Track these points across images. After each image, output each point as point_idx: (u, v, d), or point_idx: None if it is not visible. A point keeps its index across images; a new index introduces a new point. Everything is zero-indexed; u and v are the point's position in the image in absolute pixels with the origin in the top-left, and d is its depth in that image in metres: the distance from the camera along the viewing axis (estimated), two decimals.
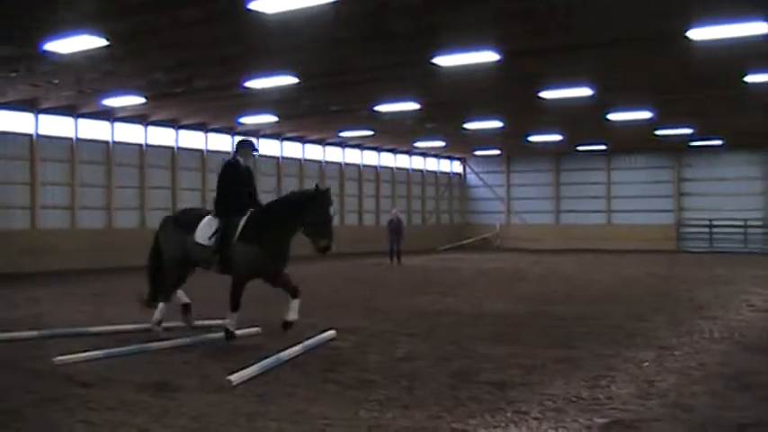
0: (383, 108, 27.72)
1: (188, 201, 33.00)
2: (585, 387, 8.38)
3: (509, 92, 25.37)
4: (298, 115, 30.24)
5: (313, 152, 40.73)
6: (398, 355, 10.53)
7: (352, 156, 43.47)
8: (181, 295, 12.18)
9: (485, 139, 39.44)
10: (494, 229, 49.95)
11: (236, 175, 11.91)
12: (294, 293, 11.23)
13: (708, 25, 15.60)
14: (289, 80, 21.49)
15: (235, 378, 8.54)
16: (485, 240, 49.46)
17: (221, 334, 11.49)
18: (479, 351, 10.67)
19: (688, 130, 35.12)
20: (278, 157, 38.01)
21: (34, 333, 12.13)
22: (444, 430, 6.84)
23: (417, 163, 48.49)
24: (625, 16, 15.45)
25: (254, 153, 12.42)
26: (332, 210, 11.20)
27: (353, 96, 25.75)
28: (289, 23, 14.88)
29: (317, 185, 11.43)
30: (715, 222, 43.38)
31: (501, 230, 49.82)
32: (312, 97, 25.50)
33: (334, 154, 42.13)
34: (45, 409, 7.62)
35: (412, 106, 27.21)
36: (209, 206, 13.11)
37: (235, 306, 11.30)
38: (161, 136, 33.11)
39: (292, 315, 11.13)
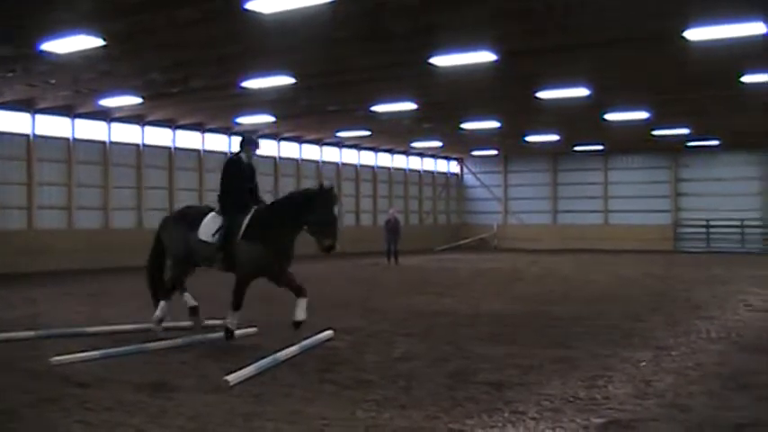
0: (380, 108, 27.72)
1: (185, 201, 32.83)
2: (583, 387, 8.38)
3: (506, 92, 25.38)
4: (295, 115, 30.26)
5: (310, 152, 40.72)
6: (396, 355, 10.53)
7: (350, 156, 43.47)
8: (188, 298, 12.09)
9: (482, 139, 39.46)
10: (491, 230, 49.97)
11: (239, 172, 11.86)
12: (299, 292, 11.13)
13: (705, 25, 15.62)
14: (286, 80, 21.49)
15: (232, 378, 8.54)
16: (482, 240, 49.47)
17: (219, 334, 11.49)
18: (476, 351, 10.67)
19: (685, 131, 35.15)
20: (275, 157, 37.99)
21: (31, 333, 12.11)
22: (441, 430, 6.83)
23: (414, 163, 48.52)
24: (622, 16, 15.46)
25: (257, 150, 12.33)
26: (336, 208, 11.12)
27: (350, 96, 25.75)
28: (285, 23, 14.87)
29: (321, 184, 11.38)
30: (712, 222, 43.42)
31: (498, 230, 49.84)
32: (309, 97, 25.50)
33: (331, 154, 42.12)
34: (42, 409, 7.61)
35: (409, 106, 27.22)
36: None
37: (237, 305, 11.27)
38: (158, 136, 33.08)
39: (300, 314, 11.01)
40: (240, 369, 8.90)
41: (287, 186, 34.37)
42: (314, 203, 10.96)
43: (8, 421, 7.19)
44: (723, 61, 19.04)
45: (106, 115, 29.87)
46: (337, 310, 14.86)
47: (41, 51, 17.32)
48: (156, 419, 7.18)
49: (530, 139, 38.57)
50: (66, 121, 29.30)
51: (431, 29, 16.33)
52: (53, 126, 29.02)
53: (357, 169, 43.74)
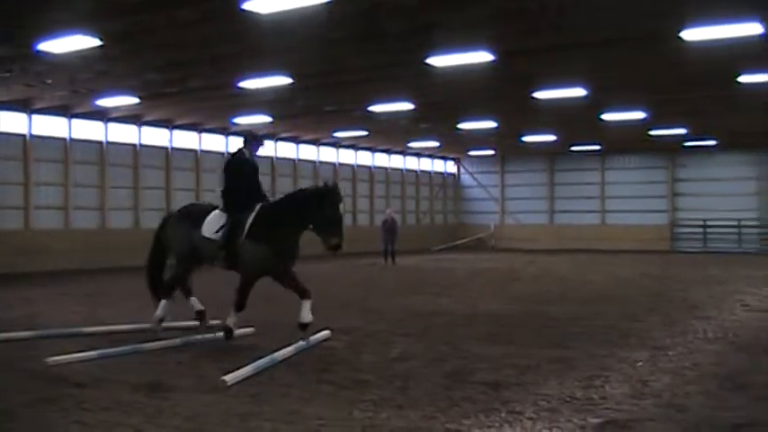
0: (377, 108, 27.72)
1: (182, 201, 32.78)
2: (580, 387, 8.39)
3: (503, 92, 25.39)
4: (292, 115, 30.25)
5: (307, 152, 40.70)
6: (393, 355, 10.53)
7: (347, 156, 43.45)
8: (194, 302, 12.04)
9: (479, 139, 39.47)
10: (488, 230, 49.96)
11: (242, 169, 11.79)
12: (303, 294, 11.01)
13: (701, 26, 15.63)
14: (283, 80, 21.48)
15: (229, 378, 8.54)
16: (479, 240, 49.45)
17: (217, 334, 11.47)
18: (473, 351, 10.68)
19: (682, 131, 35.17)
20: (272, 158, 37.96)
21: (29, 333, 12.10)
22: (438, 430, 6.84)
23: (411, 163, 48.50)
24: (618, 16, 15.47)
25: (260, 148, 12.28)
26: (342, 207, 11.08)
27: (347, 96, 25.75)
28: (282, 24, 14.87)
29: (326, 182, 11.35)
30: (709, 222, 43.44)
31: (495, 231, 49.83)
32: (306, 97, 25.50)
33: (328, 154, 42.09)
34: (39, 409, 7.61)
35: (406, 106, 27.21)
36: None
37: (240, 306, 11.22)
38: (155, 136, 33.05)
39: (306, 316, 10.89)
40: (237, 369, 8.91)
41: (284, 186, 34.36)
42: (319, 202, 10.89)
43: (5, 421, 7.19)
44: (720, 61, 19.06)
45: (103, 115, 29.84)
46: (335, 311, 14.86)
47: (38, 51, 17.30)
48: (153, 419, 7.18)
49: (527, 139, 38.58)
50: (62, 121, 29.27)
51: (428, 29, 16.32)
52: (50, 126, 28.98)
53: (354, 169, 43.72)
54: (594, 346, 11.01)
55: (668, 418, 7.20)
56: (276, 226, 11.02)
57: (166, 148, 33.53)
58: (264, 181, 13.11)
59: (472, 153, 48.25)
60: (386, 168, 46.39)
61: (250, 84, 22.06)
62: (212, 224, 11.55)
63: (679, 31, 15.96)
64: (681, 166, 44.92)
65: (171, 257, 12.48)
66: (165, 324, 12.15)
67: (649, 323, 13.52)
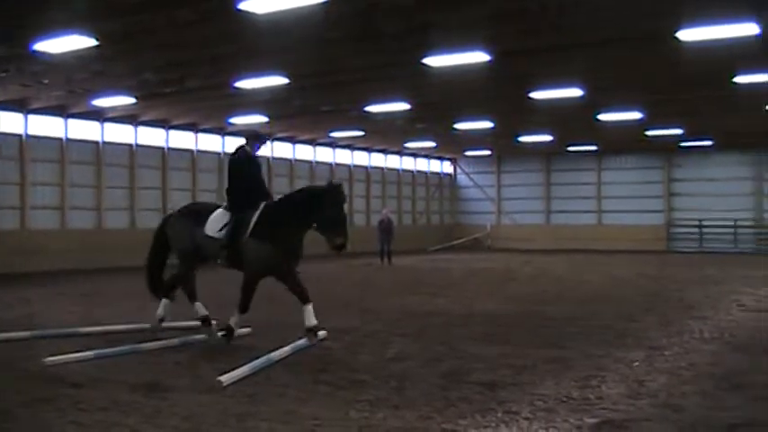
0: (374, 108, 27.71)
1: (178, 201, 32.92)
2: (576, 387, 8.40)
3: (499, 92, 25.40)
4: (288, 115, 30.24)
5: (303, 152, 40.70)
6: (389, 355, 10.53)
7: (343, 156, 43.44)
8: (199, 308, 11.87)
9: (475, 139, 39.48)
10: (484, 230, 49.98)
11: (245, 167, 11.70)
12: (304, 299, 10.92)
13: (697, 26, 15.65)
14: (279, 80, 21.48)
15: (226, 378, 8.54)
16: (475, 241, 49.47)
17: (217, 334, 11.46)
18: (470, 351, 10.68)
19: (678, 131, 35.21)
20: (268, 158, 37.94)
21: (25, 334, 12.08)
22: (434, 430, 6.85)
23: (408, 163, 48.51)
24: (615, 16, 15.48)
25: (261, 146, 12.21)
26: (345, 206, 11.02)
27: (344, 97, 25.75)
28: (279, 24, 14.86)
29: (329, 182, 11.31)
30: (705, 223, 43.49)
31: (492, 231, 49.85)
32: (302, 97, 25.49)
33: (324, 154, 42.09)
34: (36, 409, 7.61)
35: (402, 107, 27.21)
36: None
37: (244, 308, 11.15)
38: (151, 136, 33.02)
39: (311, 320, 10.82)
40: (234, 369, 8.90)
41: (280, 187, 34.29)
42: (323, 201, 10.82)
43: (2, 421, 7.20)
44: (716, 62, 19.08)
45: (99, 115, 29.81)
46: (331, 311, 14.84)
47: (35, 51, 17.28)
48: (150, 420, 7.18)
49: (523, 139, 38.59)
50: (59, 121, 29.23)
51: (424, 29, 16.32)
52: (46, 126, 28.95)
53: (350, 169, 43.69)
54: (591, 346, 11.02)
55: (664, 418, 7.21)
56: (280, 225, 10.94)
57: (163, 149, 33.51)
58: None
59: (468, 153, 48.27)
60: (382, 168, 46.38)
61: (246, 84, 22.05)
62: (216, 222, 11.47)
63: (675, 32, 15.98)
64: (677, 166, 44.96)
65: (172, 256, 12.43)
66: (164, 324, 12.14)
67: (646, 323, 13.53)
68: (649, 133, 35.27)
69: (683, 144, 40.78)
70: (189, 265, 12.07)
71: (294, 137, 38.89)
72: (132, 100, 25.44)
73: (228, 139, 35.90)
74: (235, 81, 21.82)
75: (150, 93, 24.42)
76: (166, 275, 12.48)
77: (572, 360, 10.00)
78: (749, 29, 15.44)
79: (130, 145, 32.14)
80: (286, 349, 10.39)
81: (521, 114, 30.12)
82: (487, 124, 32.35)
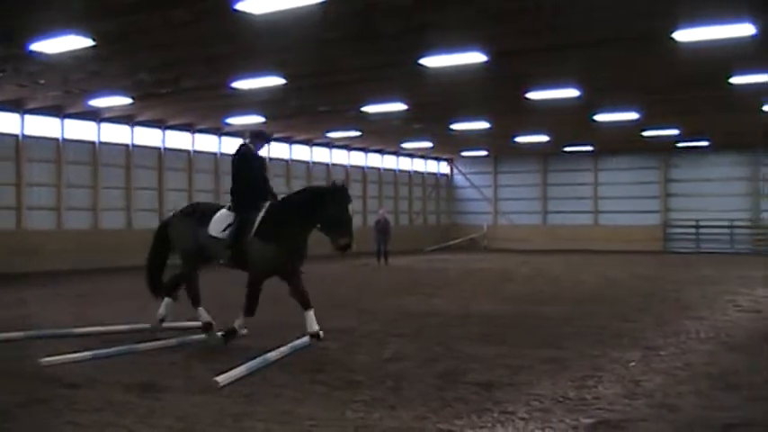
0: (371, 109, 27.73)
1: (175, 201, 32.90)
2: (572, 387, 8.40)
3: (496, 93, 25.41)
4: (285, 116, 30.24)
5: (300, 153, 40.68)
6: (386, 355, 10.53)
7: (340, 156, 43.44)
8: (202, 313, 11.73)
9: (472, 139, 39.50)
10: (481, 230, 50.00)
11: (249, 166, 11.65)
12: (305, 305, 10.88)
13: (693, 26, 15.67)
14: (276, 81, 21.48)
15: (222, 379, 8.53)
16: (472, 241, 49.50)
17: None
18: (466, 351, 10.68)
19: (674, 131, 35.25)
20: (265, 158, 37.86)
21: (22, 334, 12.05)
22: (431, 431, 6.85)
23: (404, 164, 48.52)
24: (611, 17, 15.49)
25: (264, 145, 12.17)
26: (351, 207, 10.96)
27: (341, 97, 25.75)
28: (276, 24, 14.86)
29: (334, 182, 11.27)
30: (701, 223, 43.51)
31: (488, 231, 49.88)
32: (299, 98, 25.49)
33: (321, 154, 42.08)
34: (32, 409, 7.60)
35: (399, 107, 27.22)
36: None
37: (250, 310, 11.06)
38: (148, 136, 33.00)
39: (313, 326, 10.79)
40: (230, 369, 8.90)
41: (277, 187, 33.89)
42: (328, 201, 10.77)
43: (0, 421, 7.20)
44: (712, 62, 19.10)
45: (96, 115, 29.80)
46: (328, 311, 14.81)
47: (31, 51, 17.27)
48: (146, 420, 7.18)
49: (519, 139, 38.61)
50: (55, 121, 29.21)
51: (421, 29, 16.34)
52: (42, 126, 28.93)
53: (347, 170, 43.67)
54: (587, 347, 11.02)
55: (660, 418, 7.22)
56: (285, 225, 10.88)
57: (159, 149, 33.49)
58: None
59: (465, 154, 48.31)
60: (379, 169, 46.39)
61: (243, 84, 22.05)
62: (219, 223, 11.39)
63: (672, 32, 16.01)
64: (674, 166, 44.98)
65: (173, 256, 12.37)
66: (164, 324, 12.11)
67: (642, 323, 13.54)
68: (646, 134, 35.31)
69: (680, 144, 40.83)
70: (192, 266, 11.96)
71: (291, 137, 38.89)
72: (129, 100, 25.42)
73: (225, 139, 35.91)
74: (231, 81, 21.82)
75: (147, 93, 24.41)
76: (166, 276, 12.43)
77: (568, 360, 10.00)
78: (745, 29, 15.47)
79: (127, 145, 32.12)
80: (283, 349, 10.38)
81: (517, 115, 30.13)
82: (484, 125, 32.37)
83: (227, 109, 28.60)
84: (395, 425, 7.00)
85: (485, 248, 47.61)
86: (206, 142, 35.52)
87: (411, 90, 24.61)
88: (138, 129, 32.33)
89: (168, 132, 33.71)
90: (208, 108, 28.79)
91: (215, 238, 11.37)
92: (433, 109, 28.71)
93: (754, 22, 15.14)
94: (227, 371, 8.81)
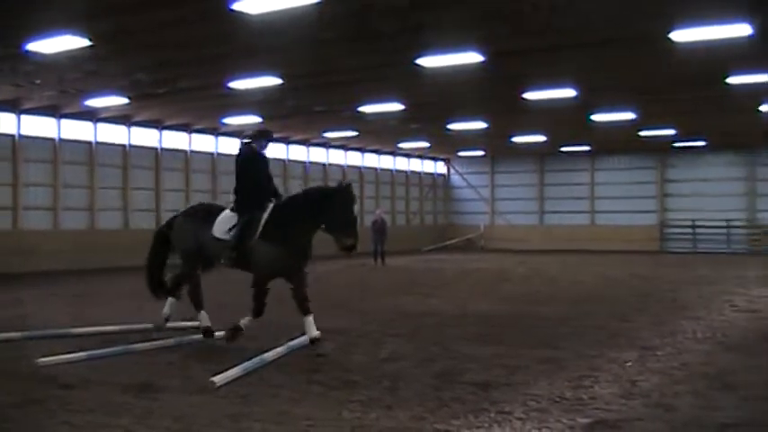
0: (367, 109, 27.71)
1: (172, 202, 32.94)
2: (569, 387, 8.40)
3: (493, 93, 25.41)
4: (281, 116, 30.20)
5: (297, 153, 40.65)
6: (382, 355, 10.53)
7: (336, 156, 43.43)
8: (203, 318, 11.62)
9: (469, 139, 39.51)
10: (478, 230, 50.00)
11: (254, 165, 11.53)
12: (305, 311, 10.76)
13: (690, 27, 15.68)
14: (272, 81, 21.48)
15: (218, 379, 8.53)
16: (469, 241, 49.50)
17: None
18: (463, 352, 10.68)
19: (671, 131, 35.27)
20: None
21: (18, 334, 12.04)
22: (428, 431, 6.85)
23: (401, 164, 48.51)
24: (608, 17, 15.49)
25: (267, 145, 11.98)
26: (356, 208, 10.88)
27: (337, 97, 25.74)
28: (272, 24, 14.86)
29: (339, 182, 11.22)
30: (698, 223, 43.55)
31: (485, 231, 49.88)
32: (296, 98, 25.49)
33: (318, 154, 42.06)
34: (28, 410, 7.60)
35: (396, 107, 27.22)
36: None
37: (258, 311, 10.96)
38: (144, 136, 32.95)
39: (313, 332, 10.68)
40: (227, 370, 8.89)
41: None
42: (333, 202, 10.71)
43: None
44: (709, 62, 19.11)
45: (92, 115, 29.76)
46: (325, 311, 14.79)
47: (27, 51, 17.26)
48: (142, 420, 7.17)
49: (516, 139, 38.62)
50: (51, 121, 29.17)
51: (418, 30, 16.33)
52: (39, 126, 28.88)
53: (344, 170, 43.64)
54: (584, 347, 11.03)
55: (657, 417, 7.22)
56: (290, 226, 10.81)
57: (156, 149, 33.44)
58: None
59: (462, 154, 48.31)
60: (376, 169, 46.38)
61: (240, 84, 22.04)
62: (224, 224, 11.26)
63: (668, 33, 16.02)
64: (670, 166, 45.02)
65: (173, 256, 12.31)
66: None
67: (639, 323, 13.55)
68: (642, 134, 35.33)
69: (677, 144, 40.87)
70: (192, 266, 11.83)
71: (287, 137, 38.85)
72: (125, 100, 25.40)
73: (222, 139, 35.89)
74: (228, 81, 21.81)
75: (143, 93, 24.39)
76: (167, 276, 12.37)
77: (565, 360, 10.01)
78: (742, 29, 15.48)
79: (123, 145, 32.07)
80: (279, 350, 10.37)
81: (514, 115, 30.14)
82: (481, 125, 32.37)
83: (224, 109, 28.58)
84: (392, 425, 7.00)
85: (482, 248, 47.62)
86: (203, 142, 35.48)
87: (408, 90, 24.60)
88: (134, 129, 32.28)
89: (165, 132, 33.67)
90: (205, 108, 28.76)
91: (219, 239, 11.26)
92: (430, 109, 28.71)
93: (750, 23, 15.15)
94: (223, 371, 8.80)
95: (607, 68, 21.06)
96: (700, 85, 22.87)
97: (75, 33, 15.93)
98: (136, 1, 14.20)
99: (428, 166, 51.03)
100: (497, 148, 44.78)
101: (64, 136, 29.71)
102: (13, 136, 28.03)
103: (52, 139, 29.38)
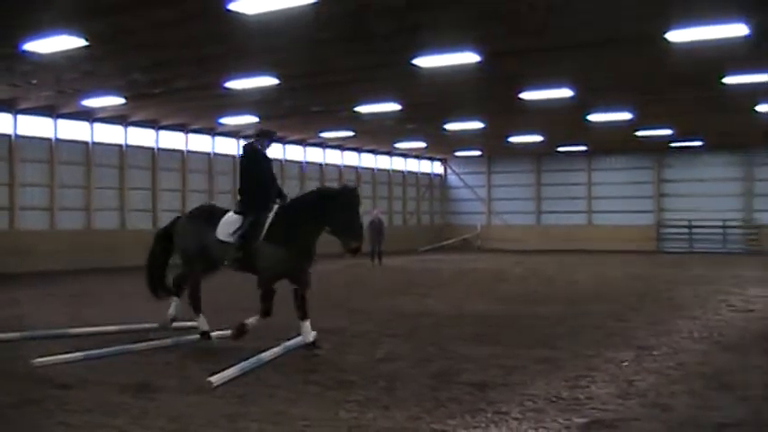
0: (364, 109, 27.72)
1: (168, 201, 32.93)
2: (566, 387, 8.40)
3: (490, 93, 25.43)
4: (278, 116, 30.17)
5: (294, 153, 40.65)
6: (379, 356, 10.53)
7: (333, 156, 43.43)
8: (201, 322, 11.54)
9: (465, 139, 39.51)
10: (474, 230, 50.02)
11: (257, 164, 11.43)
12: (302, 316, 10.77)
13: (686, 27, 15.70)
14: (269, 81, 21.48)
15: (215, 379, 8.52)
16: (465, 241, 49.51)
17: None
18: (460, 352, 10.68)
19: (668, 131, 35.30)
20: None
21: (15, 335, 12.01)
22: (424, 431, 6.84)
23: (398, 164, 48.51)
24: (605, 18, 15.51)
25: (270, 145, 11.89)
26: (362, 210, 10.86)
27: (334, 97, 25.74)
28: (269, 24, 14.86)
29: (345, 184, 11.18)
30: (694, 223, 43.59)
31: (482, 231, 49.89)
32: (293, 98, 25.48)
33: (314, 155, 42.07)
34: (24, 410, 7.58)
35: (393, 107, 27.22)
36: (190, 206, 12.87)
37: (266, 312, 10.88)
38: (141, 136, 32.94)
39: (310, 335, 10.71)
40: (224, 370, 8.88)
41: None
42: (338, 204, 10.66)
43: None
44: (705, 62, 19.13)
45: (89, 115, 29.74)
46: (322, 311, 14.80)
47: (24, 51, 17.25)
48: (139, 420, 7.16)
49: (513, 139, 38.63)
50: (48, 121, 29.16)
51: (414, 30, 16.35)
52: (35, 126, 28.88)
53: (341, 170, 43.69)
54: (581, 347, 11.03)
55: (653, 417, 7.23)
56: (295, 227, 10.74)
57: (153, 149, 33.42)
58: None
59: (459, 154, 48.31)
60: (372, 169, 46.38)
61: (236, 84, 22.04)
62: (228, 226, 11.17)
63: (665, 33, 16.04)
64: (667, 166, 45.06)
65: (175, 257, 12.25)
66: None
67: (635, 323, 13.56)
68: (639, 134, 35.35)
69: (673, 144, 40.91)
70: (192, 267, 11.77)
71: (284, 137, 38.79)
72: (122, 100, 25.40)
73: (219, 139, 35.88)
74: (225, 81, 21.81)
75: (140, 93, 24.38)
76: (168, 277, 12.33)
77: (562, 360, 10.01)
78: (738, 29, 15.50)
79: (120, 145, 32.06)
80: (276, 350, 10.37)
81: (511, 115, 30.15)
82: (478, 125, 32.39)
83: (220, 109, 28.57)
84: (388, 425, 6.99)
85: (478, 249, 47.62)
86: (199, 142, 35.46)
87: (404, 90, 24.61)
88: (131, 129, 32.27)
89: (162, 132, 33.66)
90: (201, 108, 28.75)
91: (223, 242, 11.17)
92: (427, 109, 28.71)
93: (746, 23, 15.17)
94: (220, 371, 8.79)
95: (604, 68, 21.09)
96: (696, 86, 22.90)
97: (71, 33, 15.93)
98: (132, 1, 14.19)
99: (425, 166, 51.05)
100: (494, 148, 44.78)
101: (61, 136, 29.70)
102: (9, 136, 28.01)
103: (49, 139, 29.36)
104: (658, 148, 42.65)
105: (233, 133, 35.65)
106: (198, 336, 11.60)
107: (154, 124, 32.85)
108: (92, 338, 11.73)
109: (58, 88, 23.81)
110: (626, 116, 29.29)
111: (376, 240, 31.29)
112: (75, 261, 28.26)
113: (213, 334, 11.53)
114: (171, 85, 22.75)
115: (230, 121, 31.27)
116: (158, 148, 33.61)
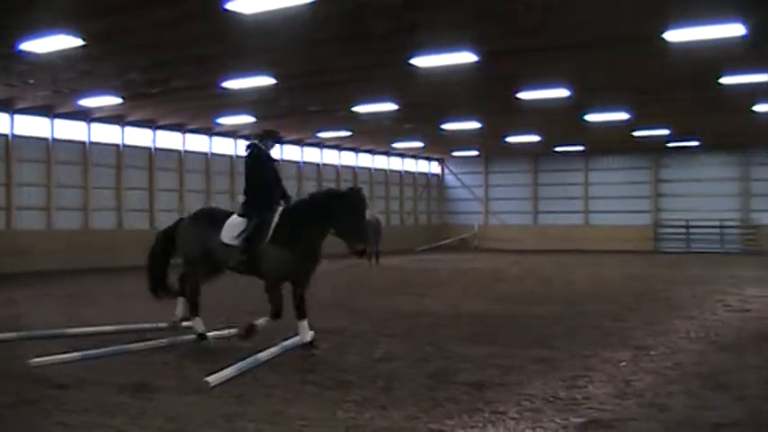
0: (361, 109, 27.71)
1: (165, 201, 32.92)
2: (563, 387, 8.41)
3: (487, 93, 25.43)
4: (275, 116, 30.14)
5: (291, 153, 40.62)
6: (377, 355, 10.53)
7: (330, 156, 43.42)
8: (197, 324, 11.48)
9: (463, 139, 39.51)
10: (472, 230, 50.03)
11: (262, 164, 11.38)
12: (300, 315, 10.74)
13: (684, 27, 15.70)
14: (266, 81, 21.47)
15: (213, 379, 8.52)
16: (463, 241, 49.51)
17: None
18: (457, 351, 10.69)
19: (665, 132, 35.32)
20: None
21: (12, 335, 12.00)
22: (422, 431, 6.85)
23: (395, 164, 48.52)
24: (602, 17, 15.51)
25: (274, 146, 11.86)
26: (367, 212, 10.81)
27: (331, 97, 25.73)
28: (266, 24, 14.84)
29: (350, 187, 11.16)
30: (692, 223, 43.61)
31: (479, 231, 49.90)
32: (290, 98, 25.46)
33: (311, 154, 42.05)
34: (22, 410, 7.58)
35: (390, 107, 27.21)
36: (187, 206, 12.84)
37: (277, 313, 10.81)
38: (138, 136, 32.90)
39: (308, 335, 10.71)
40: (221, 370, 8.88)
41: None
42: (344, 206, 10.65)
43: None
44: (702, 62, 19.13)
45: (86, 115, 29.71)
46: (319, 311, 14.78)
47: (20, 51, 17.21)
48: (136, 420, 7.16)
49: (510, 139, 38.63)
50: (45, 121, 29.12)
51: (411, 29, 16.34)
52: (32, 126, 28.84)
53: (338, 170, 43.69)
54: (578, 346, 11.04)
55: (651, 417, 7.23)
56: (300, 230, 10.69)
57: (150, 149, 33.39)
58: None
59: (456, 154, 48.32)
60: (370, 169, 46.37)
61: (234, 84, 22.03)
62: (232, 229, 11.08)
63: (662, 33, 16.04)
64: (664, 166, 45.07)
65: (176, 258, 12.18)
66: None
67: (632, 323, 13.57)
68: (636, 134, 35.36)
69: (670, 144, 40.92)
70: (193, 269, 11.68)
71: (281, 137, 38.77)
72: (119, 100, 25.37)
73: (216, 139, 35.88)
74: (222, 81, 21.79)
75: (137, 93, 24.35)
76: (169, 277, 12.30)
77: (559, 360, 10.02)
78: (735, 29, 15.51)
79: (117, 145, 32.03)
80: (273, 350, 10.37)
81: (508, 115, 30.16)
82: (475, 125, 32.39)
83: (217, 109, 28.56)
84: (386, 425, 7.00)
85: (476, 248, 47.64)
86: (197, 142, 35.44)
87: (402, 90, 24.61)
88: (128, 129, 32.23)
89: (159, 132, 33.62)
90: (198, 108, 28.73)
91: (227, 245, 11.10)
92: (424, 109, 28.72)
93: (744, 23, 15.18)
94: (218, 371, 8.79)
95: (601, 68, 21.09)
96: (693, 86, 22.92)
97: (68, 33, 15.90)
98: (129, 1, 14.18)
99: (422, 166, 51.06)
100: (491, 148, 44.79)
101: (57, 136, 29.66)
102: (6, 136, 27.97)
103: (46, 139, 29.32)
104: (655, 148, 42.65)
105: (230, 133, 35.64)
106: (195, 336, 11.57)
107: (151, 124, 32.81)
108: (89, 338, 11.71)
109: (54, 88, 23.78)
110: (623, 116, 29.29)
111: (373, 240, 31.25)
112: (72, 261, 28.23)
113: (209, 334, 11.52)
114: (168, 84, 22.73)
115: (227, 120, 31.27)
116: (155, 148, 33.57)
